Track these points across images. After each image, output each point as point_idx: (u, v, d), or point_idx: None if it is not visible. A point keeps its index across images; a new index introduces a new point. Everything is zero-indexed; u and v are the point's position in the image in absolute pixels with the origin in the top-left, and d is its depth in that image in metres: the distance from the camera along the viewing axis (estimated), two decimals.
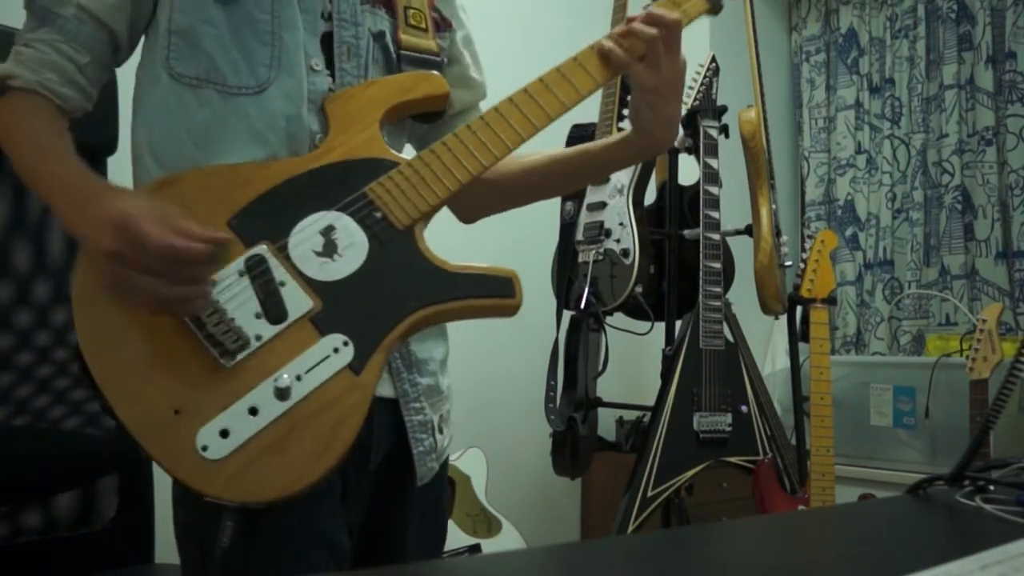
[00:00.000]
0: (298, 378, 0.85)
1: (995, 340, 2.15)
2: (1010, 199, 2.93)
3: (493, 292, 0.93)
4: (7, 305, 1.22)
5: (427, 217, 0.96)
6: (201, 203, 0.89)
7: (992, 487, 0.78)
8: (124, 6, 0.96)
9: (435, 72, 1.06)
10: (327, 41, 1.01)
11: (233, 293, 0.87)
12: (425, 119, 1.10)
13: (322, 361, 0.87)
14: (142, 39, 1.01)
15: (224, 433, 0.82)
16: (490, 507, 2.45)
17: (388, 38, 1.05)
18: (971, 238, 3.00)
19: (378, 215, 0.94)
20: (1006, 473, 0.84)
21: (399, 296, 0.92)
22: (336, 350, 0.88)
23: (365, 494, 1.00)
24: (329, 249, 0.91)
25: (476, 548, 2.33)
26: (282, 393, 0.84)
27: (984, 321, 2.19)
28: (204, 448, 0.81)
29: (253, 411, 0.83)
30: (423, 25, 1.09)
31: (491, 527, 2.42)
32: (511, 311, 0.93)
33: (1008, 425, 2.38)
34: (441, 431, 1.06)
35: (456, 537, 2.32)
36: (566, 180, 1.16)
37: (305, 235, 0.91)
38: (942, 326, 3.03)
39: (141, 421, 0.82)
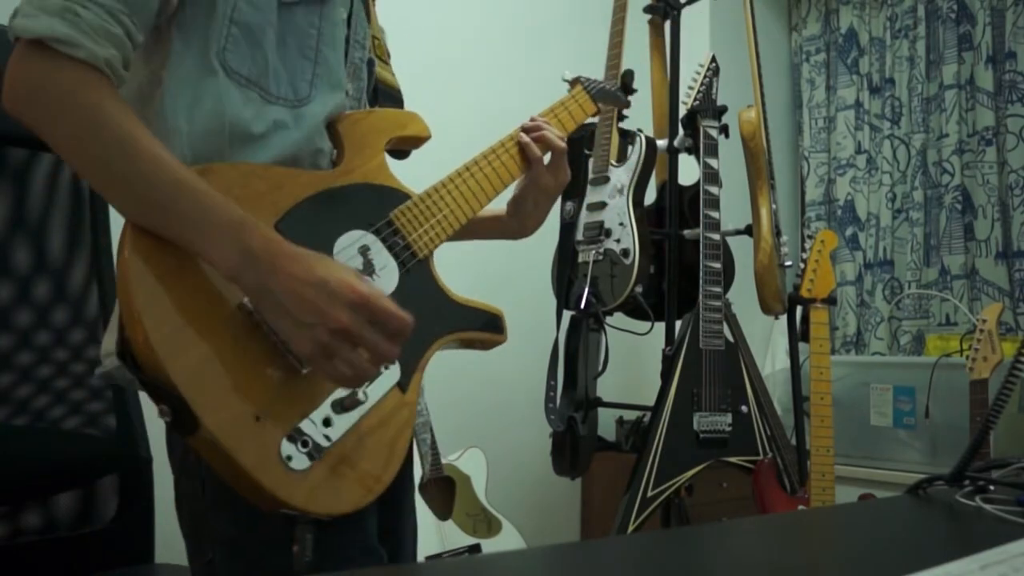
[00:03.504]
0: (364, 392, 0.88)
1: (995, 340, 2.15)
2: (1010, 199, 2.93)
3: (488, 327, 1.04)
4: (7, 305, 1.22)
5: (437, 248, 1.02)
6: (244, 200, 0.86)
7: (992, 487, 0.78)
8: None
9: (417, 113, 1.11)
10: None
11: None
12: (397, 155, 1.11)
13: (377, 378, 0.90)
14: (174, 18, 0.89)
15: (304, 443, 0.82)
16: (490, 507, 2.45)
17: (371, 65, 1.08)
18: (971, 238, 3.00)
19: (402, 242, 0.98)
20: (1006, 473, 0.84)
21: (427, 320, 0.96)
22: (386, 368, 0.90)
23: (380, 500, 1.00)
24: (368, 269, 0.94)
25: (476, 548, 2.32)
26: (352, 405, 0.86)
27: (984, 321, 2.19)
28: (288, 458, 0.81)
29: (327, 422, 0.84)
30: (384, 57, 1.11)
31: (491, 527, 2.41)
32: (497, 345, 1.05)
33: (1008, 425, 2.38)
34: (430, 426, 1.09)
35: (456, 537, 2.32)
36: None
37: (348, 253, 0.93)
38: (942, 326, 3.03)
39: (228, 427, 0.78)
